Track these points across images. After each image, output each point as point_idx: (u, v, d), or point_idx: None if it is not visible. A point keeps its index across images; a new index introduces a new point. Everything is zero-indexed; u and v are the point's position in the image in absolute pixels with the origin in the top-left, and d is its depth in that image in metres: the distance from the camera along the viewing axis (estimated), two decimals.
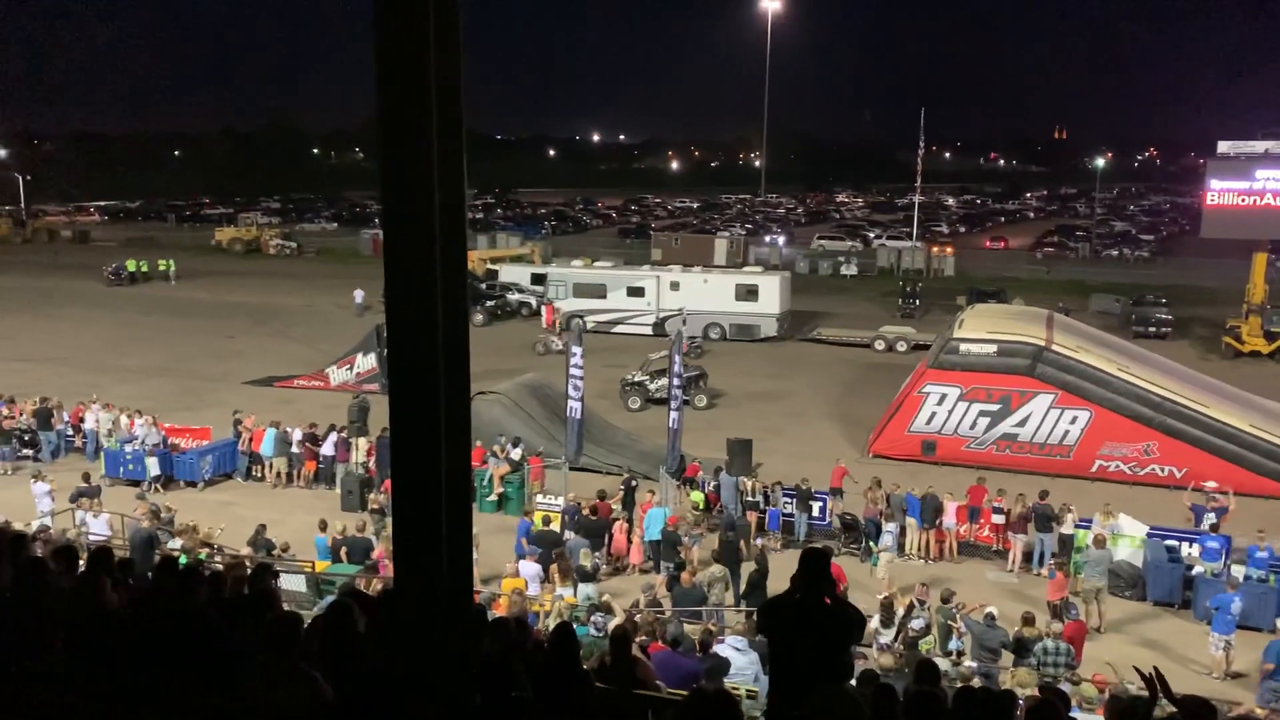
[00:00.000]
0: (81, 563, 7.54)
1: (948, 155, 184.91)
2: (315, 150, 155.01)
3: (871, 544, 18.47)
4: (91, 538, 16.13)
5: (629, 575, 17.92)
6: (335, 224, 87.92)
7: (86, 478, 19.64)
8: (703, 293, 39.84)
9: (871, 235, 73.72)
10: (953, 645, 13.54)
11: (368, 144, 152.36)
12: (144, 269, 54.60)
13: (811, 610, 4.93)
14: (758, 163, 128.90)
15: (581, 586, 14.12)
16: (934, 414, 24.28)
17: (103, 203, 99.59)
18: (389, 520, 18.17)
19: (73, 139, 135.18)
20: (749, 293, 39.66)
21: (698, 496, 20.11)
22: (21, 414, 24.11)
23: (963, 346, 24.71)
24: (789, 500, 19.90)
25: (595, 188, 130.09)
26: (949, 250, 62.55)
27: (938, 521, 19.03)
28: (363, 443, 22.58)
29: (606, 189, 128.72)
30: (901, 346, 37.01)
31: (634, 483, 20.26)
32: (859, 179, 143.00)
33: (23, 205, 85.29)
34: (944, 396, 24.29)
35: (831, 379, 33.35)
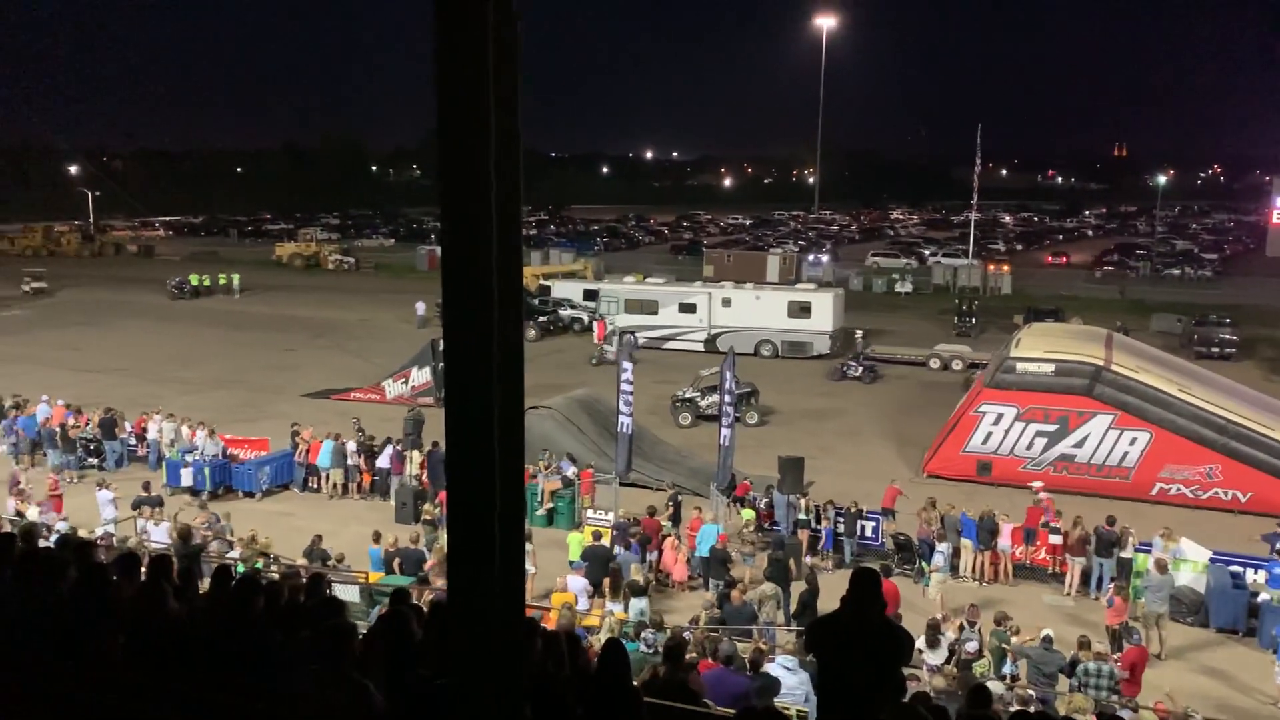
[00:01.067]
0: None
1: (1004, 172, 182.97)
2: (374, 168, 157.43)
3: (924, 564, 18.25)
4: (152, 545, 16.48)
5: (675, 591, 17.88)
6: (392, 240, 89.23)
7: (147, 486, 20.10)
8: (755, 309, 39.76)
9: (927, 252, 73.06)
10: (1007, 669, 13.31)
11: (425, 161, 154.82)
12: (206, 283, 55.82)
13: (861, 629, 4.89)
14: (811, 179, 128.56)
15: (633, 602, 14.11)
16: (990, 434, 23.95)
17: (167, 218, 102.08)
18: (442, 532, 18.43)
19: (139, 156, 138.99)
20: (801, 310, 39.49)
21: (749, 514, 20.03)
22: (88, 423, 24.75)
23: (1020, 366, 24.35)
24: (840, 520, 19.74)
25: (648, 204, 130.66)
26: (1006, 268, 61.70)
27: (993, 543, 18.75)
28: (416, 455, 22.84)
29: (659, 206, 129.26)
30: (957, 365, 36.57)
31: (679, 498, 20.26)
32: (914, 196, 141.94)
33: (91, 220, 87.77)
34: (1000, 416, 23.95)
35: (885, 398, 33.04)
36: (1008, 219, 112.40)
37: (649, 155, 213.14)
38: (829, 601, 15.28)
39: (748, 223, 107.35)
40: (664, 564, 18.15)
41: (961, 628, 13.75)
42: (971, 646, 13.38)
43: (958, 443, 24.36)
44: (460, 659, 3.66)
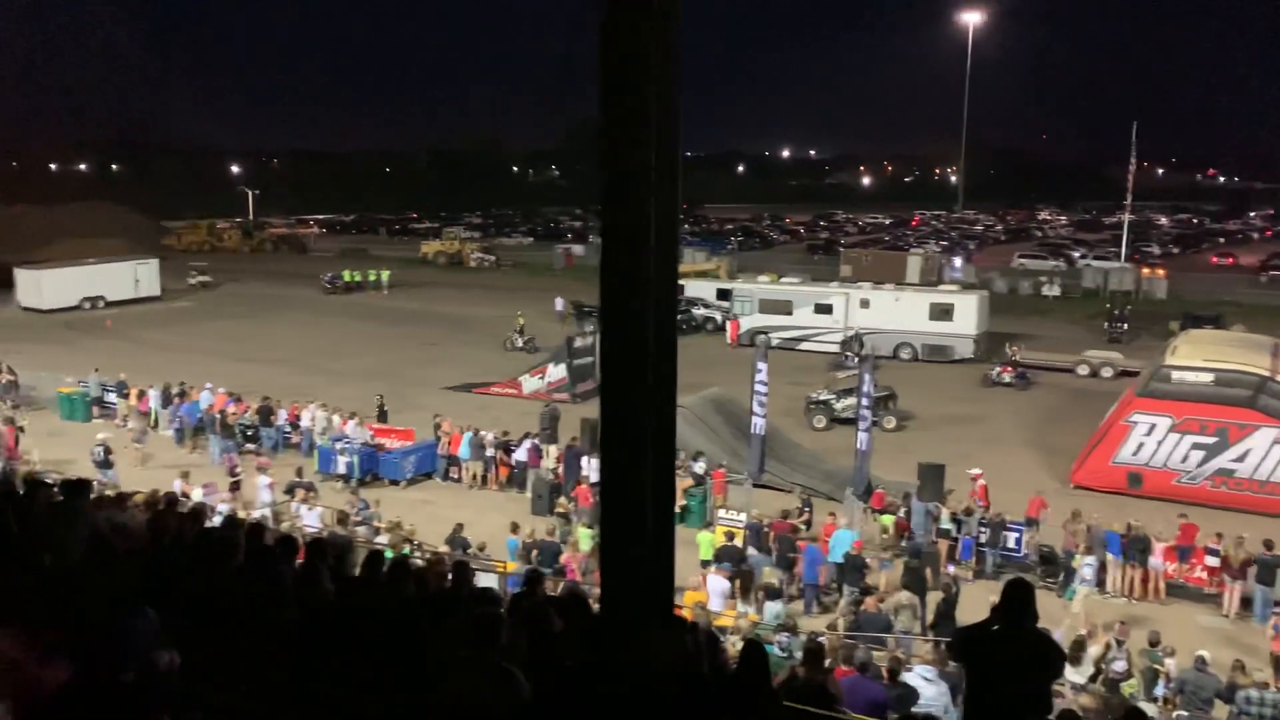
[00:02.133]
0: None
1: (1160, 171, 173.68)
2: (515, 169, 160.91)
3: (1069, 578, 17.58)
4: (305, 528, 17.32)
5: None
6: (531, 239, 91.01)
7: (300, 472, 21.13)
8: (894, 311, 38.97)
9: (1076, 255, 70.06)
10: (1159, 691, 12.70)
11: (565, 162, 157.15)
12: (357, 278, 58.10)
13: (1011, 642, 4.77)
14: (954, 178, 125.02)
15: (768, 605, 14.06)
16: (1141, 445, 22.86)
17: (321, 216, 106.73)
18: (576, 526, 18.76)
19: (296, 157, 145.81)
20: (943, 312, 38.49)
21: (888, 520, 19.68)
22: (246, 410, 26.15)
23: (1175, 374, 23.18)
24: (983, 529, 19.19)
25: (783, 203, 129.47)
26: (1161, 272, 58.63)
27: (1144, 559, 17.90)
28: (553, 450, 23.31)
29: (795, 205, 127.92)
30: (1107, 372, 35.01)
31: (812, 502, 20.08)
32: (1064, 195, 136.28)
33: (251, 217, 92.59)
34: (1153, 427, 22.83)
35: (1031, 405, 31.92)
36: (1163, 220, 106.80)
37: (785, 154, 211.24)
38: (968, 613, 14.91)
39: (887, 222, 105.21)
40: (798, 569, 17.99)
41: (1108, 645, 13.19)
42: (1119, 666, 12.82)
43: (1107, 453, 23.34)
44: (609, 651, 3.75)
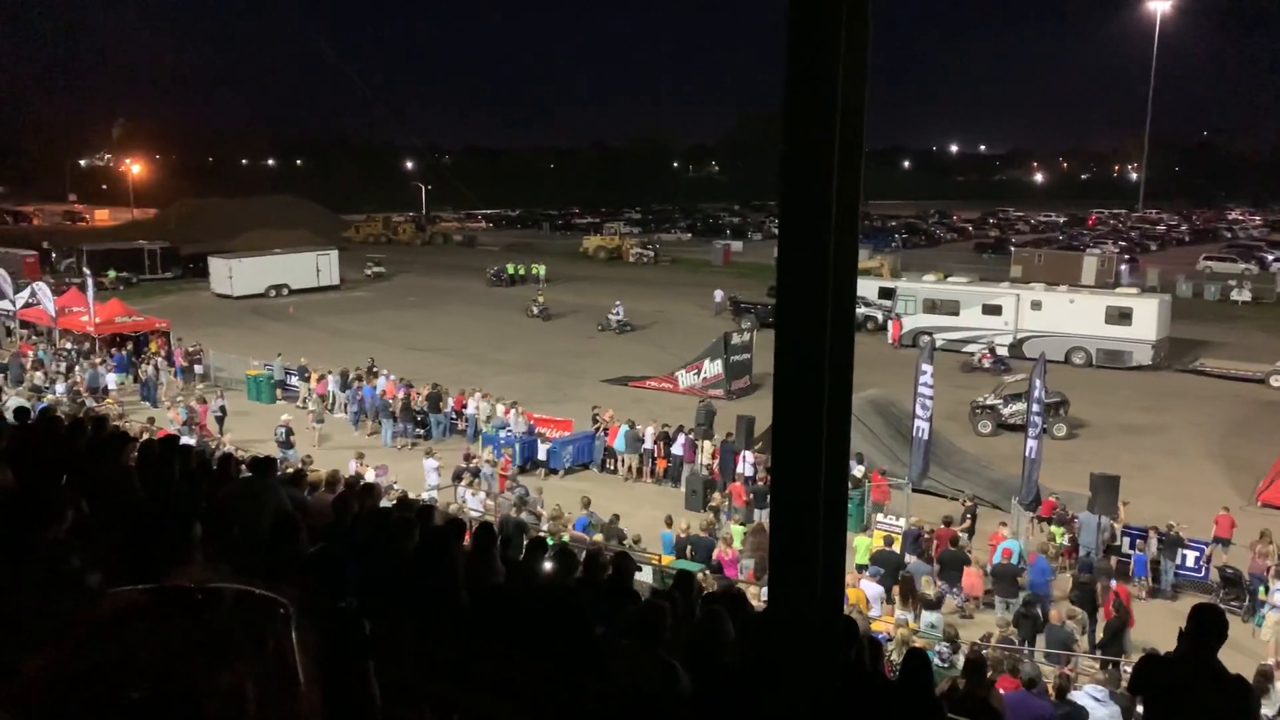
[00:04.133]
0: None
1: None
2: (676, 164, 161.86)
3: (1255, 603, 16.42)
4: (469, 512, 17.93)
5: (969, 605, 17.15)
6: (689, 235, 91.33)
7: (467, 458, 21.88)
8: (1068, 314, 37.23)
9: (1270, 258, 65.26)
10: None
11: (724, 158, 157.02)
12: (520, 272, 59.65)
13: (1200, 673, 4.49)
14: (1135, 175, 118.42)
15: (925, 614, 13.71)
16: None
17: (488, 211, 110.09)
18: (727, 522, 18.75)
19: (467, 154, 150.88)
20: (1121, 316, 36.50)
21: (1058, 531, 18.85)
22: (418, 396, 27.27)
23: None
24: (1160, 545, 18.14)
25: (951, 200, 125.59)
26: None
27: None
28: (708, 445, 23.36)
29: (963, 201, 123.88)
30: None
31: (976, 510, 19.42)
32: (1257, 194, 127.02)
33: (424, 212, 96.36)
34: None
35: (1215, 416, 29.94)
36: None
37: (954, 148, 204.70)
38: (1142, 633, 14.15)
39: (1061, 221, 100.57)
40: (969, 587, 17.44)
41: None
42: None
43: None
44: (776, 653, 3.73)
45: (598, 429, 24.91)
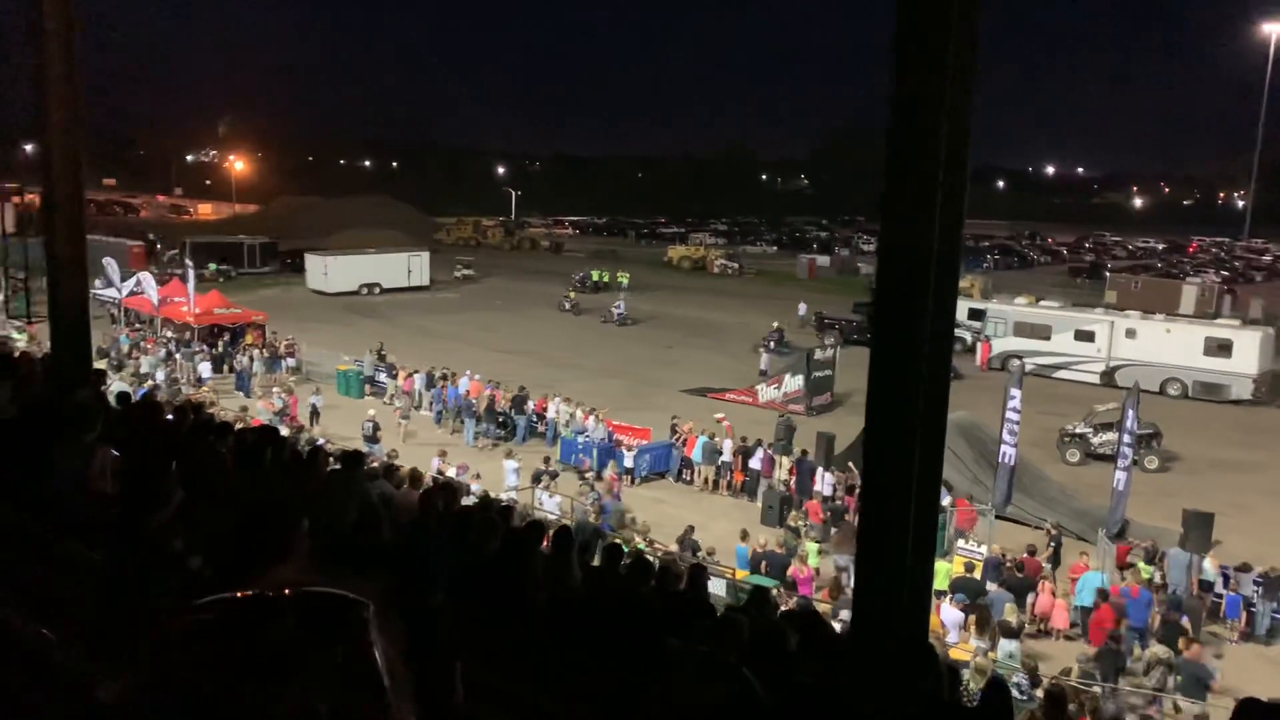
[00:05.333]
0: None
1: None
2: (763, 177, 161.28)
3: None
4: (548, 516, 18.10)
5: (1052, 640, 16.72)
6: (775, 248, 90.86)
7: (547, 461, 22.11)
8: (1164, 343, 36.08)
9: None
10: None
11: (813, 171, 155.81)
12: (605, 279, 59.99)
13: None
14: (1242, 202, 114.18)
15: (1003, 643, 13.41)
16: None
17: (576, 217, 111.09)
18: (805, 541, 18.58)
19: (557, 160, 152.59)
20: (1221, 348, 35.23)
21: (1145, 569, 18.25)
22: (502, 398, 27.64)
23: None
24: (1258, 586, 17.44)
25: (1045, 222, 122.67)
26: None
27: None
28: (786, 461, 23.19)
29: (1058, 224, 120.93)
30: None
31: (1061, 540, 18.93)
32: None
33: (513, 216, 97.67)
34: None
35: None
36: None
37: (1049, 170, 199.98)
38: (1234, 679, 13.62)
39: (1160, 247, 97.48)
40: (1040, 608, 17.04)
41: None
42: None
43: None
44: (857, 676, 3.70)
45: (676, 439, 24.92)
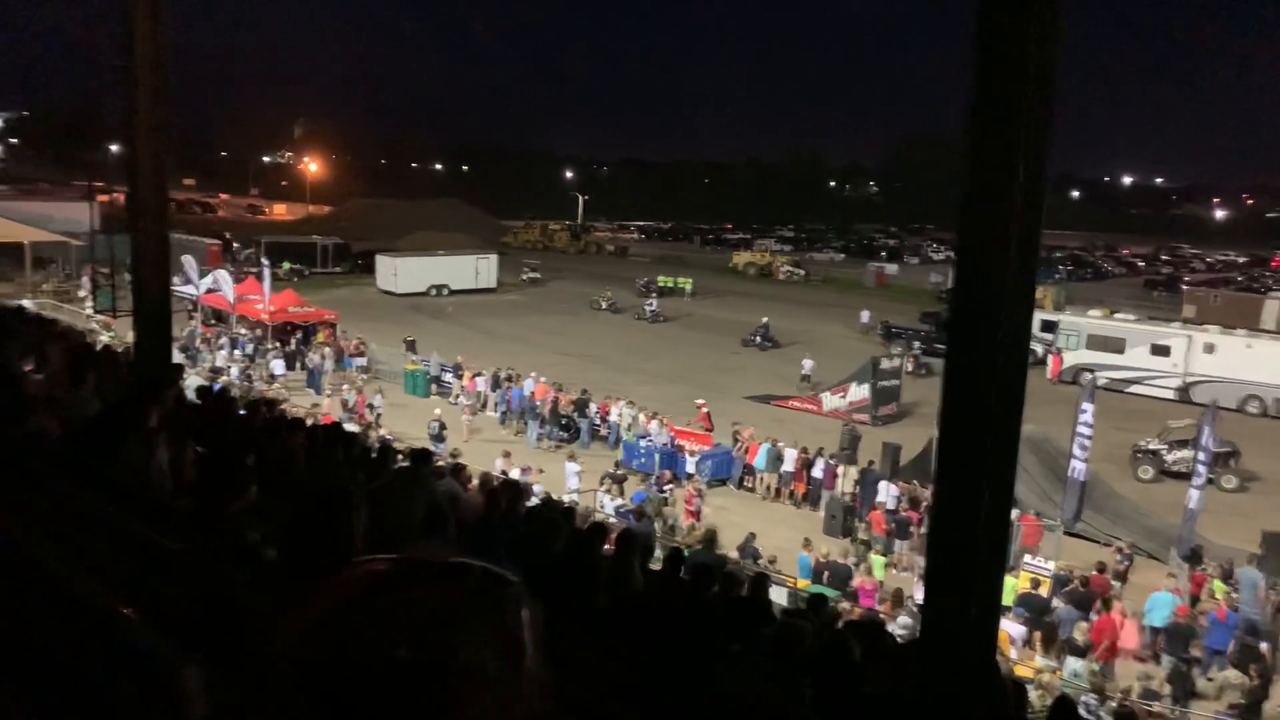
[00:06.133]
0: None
1: None
2: (831, 183, 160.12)
3: None
4: (607, 517, 18.16)
5: (1119, 659, 16.30)
6: (843, 255, 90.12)
7: (617, 464, 22.25)
8: (1244, 360, 35.02)
9: None
10: None
11: (883, 178, 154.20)
12: (669, 284, 60.05)
13: None
14: None
15: (1069, 661, 13.13)
16: None
17: (641, 222, 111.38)
18: (872, 555, 18.38)
19: (624, 165, 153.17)
20: None
21: (1220, 587, 17.72)
22: (565, 400, 27.81)
23: None
24: None
25: (1121, 233, 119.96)
26: None
27: None
28: (851, 471, 22.96)
29: (1134, 235, 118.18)
30: None
31: (1131, 558, 18.47)
32: None
33: (580, 221, 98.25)
34: None
35: None
36: None
37: (1127, 179, 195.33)
38: None
39: (1242, 260, 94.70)
40: (1101, 626, 16.61)
41: None
42: None
43: None
44: (923, 690, 3.66)
45: (738, 448, 24.83)
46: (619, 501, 19.85)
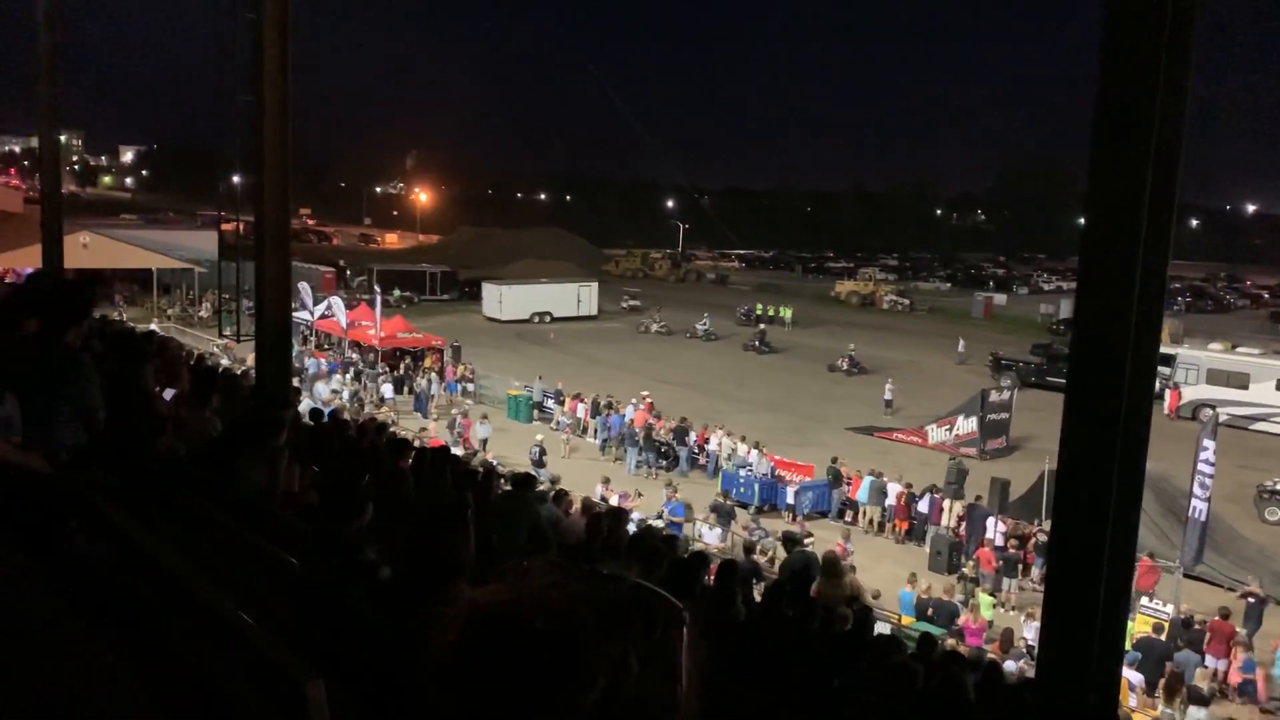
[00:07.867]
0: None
1: None
2: (938, 212, 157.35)
3: None
4: (706, 545, 18.09)
5: (1241, 705, 15.47)
6: (949, 284, 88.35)
7: (725, 495, 22.20)
8: None
9: None
10: None
11: (990, 207, 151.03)
12: (771, 313, 59.69)
13: None
14: None
15: (1191, 710, 12.52)
16: None
17: (742, 250, 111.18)
18: (979, 592, 17.86)
19: (726, 194, 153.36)
20: None
21: None
22: (663, 427, 27.84)
23: None
24: None
25: (1244, 264, 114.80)
26: None
27: None
28: (956, 506, 22.40)
29: (1260, 266, 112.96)
30: None
31: (1265, 604, 17.51)
32: None
33: (680, 249, 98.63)
34: None
35: None
36: None
37: (1250, 208, 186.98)
38: None
39: None
40: (1235, 676, 15.81)
41: None
42: None
43: None
44: None
45: (838, 479, 24.48)
46: (718, 530, 19.72)
